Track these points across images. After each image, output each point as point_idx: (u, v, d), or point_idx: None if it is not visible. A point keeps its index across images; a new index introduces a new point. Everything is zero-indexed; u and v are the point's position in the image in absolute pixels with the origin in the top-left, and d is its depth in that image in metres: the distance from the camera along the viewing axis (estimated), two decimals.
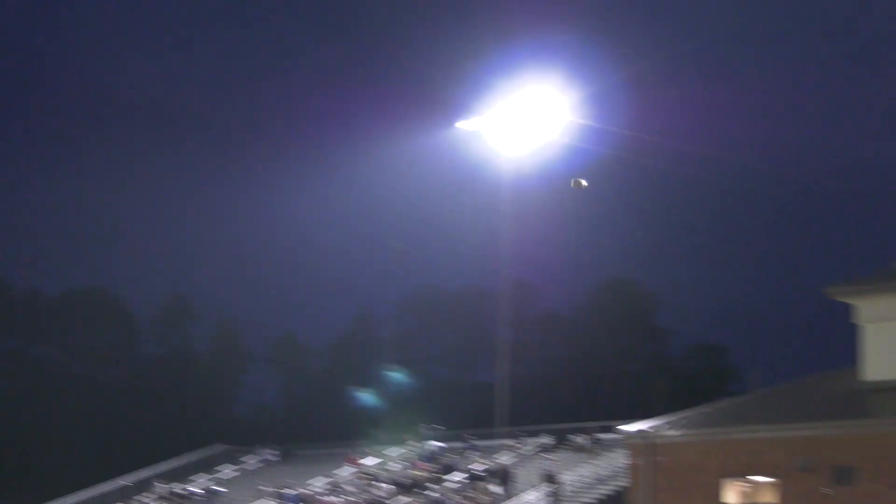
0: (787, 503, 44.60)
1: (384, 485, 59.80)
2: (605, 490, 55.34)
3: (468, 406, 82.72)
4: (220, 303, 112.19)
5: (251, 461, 72.98)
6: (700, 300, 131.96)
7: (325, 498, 59.74)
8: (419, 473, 60.06)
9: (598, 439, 59.01)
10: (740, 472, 46.31)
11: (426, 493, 57.73)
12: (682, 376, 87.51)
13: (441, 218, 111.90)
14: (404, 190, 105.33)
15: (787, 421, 45.93)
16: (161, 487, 67.54)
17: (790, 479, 44.34)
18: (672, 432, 48.01)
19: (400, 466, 62.29)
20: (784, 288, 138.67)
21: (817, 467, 43.74)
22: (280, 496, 60.98)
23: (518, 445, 61.54)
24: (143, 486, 68.90)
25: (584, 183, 25.73)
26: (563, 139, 64.33)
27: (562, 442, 61.00)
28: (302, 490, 61.51)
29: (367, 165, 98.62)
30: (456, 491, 57.23)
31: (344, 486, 61.42)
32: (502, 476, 56.91)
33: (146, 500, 66.27)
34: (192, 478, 69.73)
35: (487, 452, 61.35)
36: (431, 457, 62.13)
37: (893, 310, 46.22)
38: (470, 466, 59.25)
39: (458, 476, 58.65)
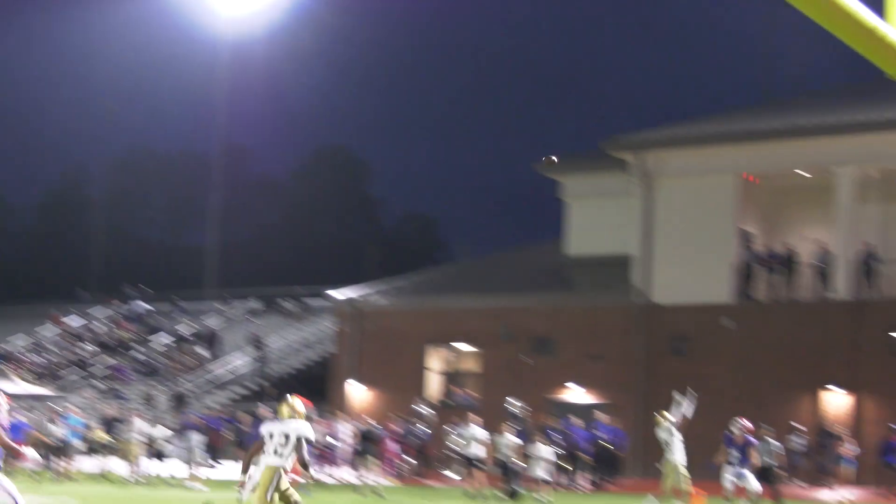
0: (488, 371, 45.88)
1: (88, 345, 58.88)
2: (311, 355, 55.86)
3: (177, 268, 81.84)
4: None
5: None
6: (413, 170, 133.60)
7: (27, 356, 58.43)
8: (124, 334, 59.35)
9: (307, 305, 59.30)
10: (445, 340, 47.36)
11: (131, 353, 57.17)
12: (392, 245, 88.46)
13: (155, 78, 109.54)
14: (117, 49, 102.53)
15: (492, 291, 47.08)
16: None
17: (492, 347, 45.59)
18: (379, 299, 48.66)
19: (105, 326, 61.35)
20: (494, 161, 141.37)
21: (519, 337, 45.09)
22: None
23: (226, 309, 61.35)
24: None
25: (555, 160, 25.59)
26: (283, 1, 63.56)
27: (270, 306, 61.09)
28: (2, 348, 59.96)
29: (79, 22, 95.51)
30: (162, 352, 56.85)
31: (47, 345, 60.18)
32: (209, 339, 56.78)
33: None
34: None
35: (195, 315, 60.96)
36: (137, 318, 61.39)
37: (597, 187, 47.67)
38: (177, 328, 58.86)
39: (164, 338, 58.20)
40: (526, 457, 30.21)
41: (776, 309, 42.02)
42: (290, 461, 14.70)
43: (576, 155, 52.02)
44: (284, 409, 14.99)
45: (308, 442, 14.71)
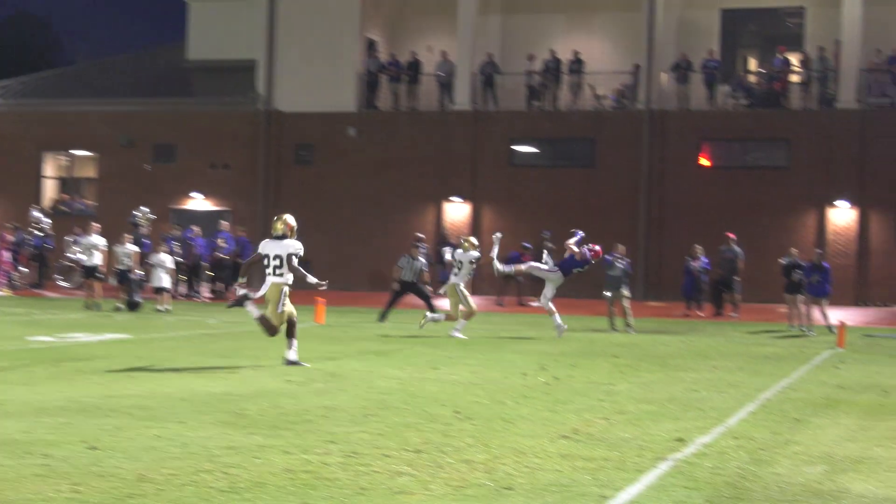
0: (106, 178, 44.67)
1: None
2: None
3: None
4: None
5: None
6: None
7: None
8: None
9: None
10: (61, 147, 45.77)
11: None
12: (2, 46, 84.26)
13: None
14: None
15: (111, 96, 45.62)
16: None
17: (111, 154, 44.33)
18: None
19: None
20: None
21: (139, 143, 43.98)
22: None
23: None
24: None
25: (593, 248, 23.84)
26: None
27: None
28: None
29: None
30: None
31: None
32: None
33: None
34: None
35: None
36: None
37: None
38: None
39: None
40: (146, 266, 29.51)
41: (400, 118, 42.37)
42: (289, 277, 15.89)
43: None
44: (279, 225, 15.98)
45: (297, 258, 15.83)
